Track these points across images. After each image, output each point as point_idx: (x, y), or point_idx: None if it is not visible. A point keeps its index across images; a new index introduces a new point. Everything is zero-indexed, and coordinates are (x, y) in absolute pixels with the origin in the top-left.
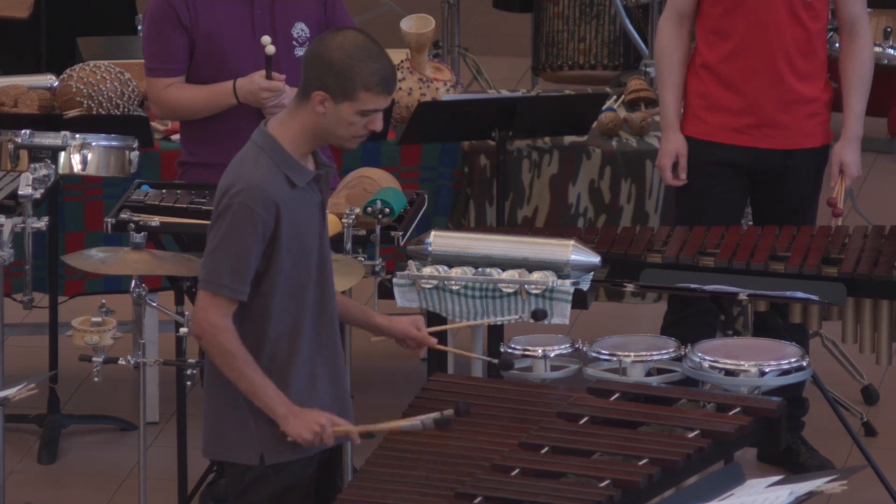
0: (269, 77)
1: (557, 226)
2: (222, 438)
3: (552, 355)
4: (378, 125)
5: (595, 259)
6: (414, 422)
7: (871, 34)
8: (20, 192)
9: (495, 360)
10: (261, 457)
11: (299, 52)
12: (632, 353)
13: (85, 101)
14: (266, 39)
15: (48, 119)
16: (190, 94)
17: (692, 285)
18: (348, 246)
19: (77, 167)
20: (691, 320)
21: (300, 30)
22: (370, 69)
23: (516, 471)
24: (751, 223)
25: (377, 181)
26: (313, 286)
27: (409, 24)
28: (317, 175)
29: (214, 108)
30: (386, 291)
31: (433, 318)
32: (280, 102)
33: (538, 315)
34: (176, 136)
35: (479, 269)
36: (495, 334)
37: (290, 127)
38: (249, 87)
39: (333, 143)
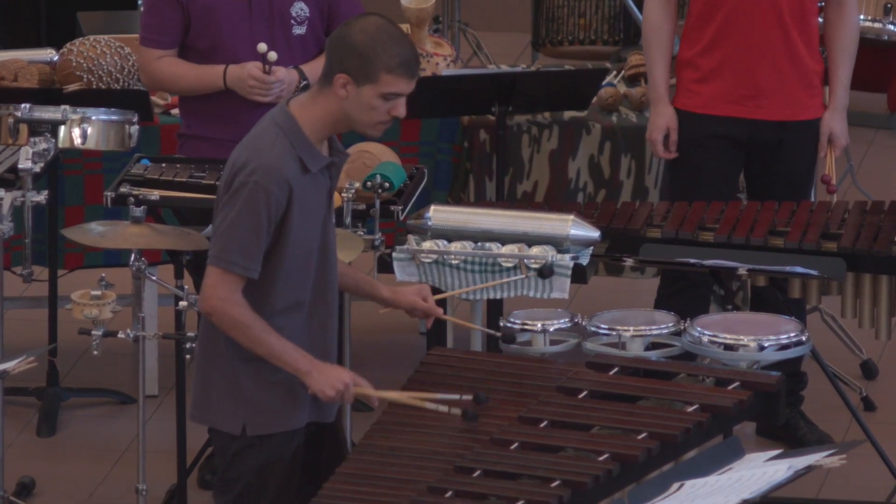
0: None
1: (557, 200)
2: (208, 405)
3: (551, 329)
4: (401, 111)
5: (594, 234)
6: (440, 406)
7: (857, 4)
8: (20, 166)
9: (498, 333)
10: (243, 427)
11: (297, 30)
12: (631, 328)
13: (85, 76)
14: (262, 47)
15: (48, 93)
16: (181, 70)
17: (691, 260)
18: (348, 220)
19: (77, 141)
20: (685, 294)
21: (299, 9)
22: (392, 51)
23: (515, 444)
24: (741, 195)
25: (377, 156)
26: (313, 270)
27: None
28: (330, 162)
29: (203, 89)
30: (385, 265)
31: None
32: (271, 98)
33: (544, 272)
34: (176, 111)
35: (479, 244)
36: (495, 309)
37: (312, 110)
38: (239, 74)
39: (356, 129)
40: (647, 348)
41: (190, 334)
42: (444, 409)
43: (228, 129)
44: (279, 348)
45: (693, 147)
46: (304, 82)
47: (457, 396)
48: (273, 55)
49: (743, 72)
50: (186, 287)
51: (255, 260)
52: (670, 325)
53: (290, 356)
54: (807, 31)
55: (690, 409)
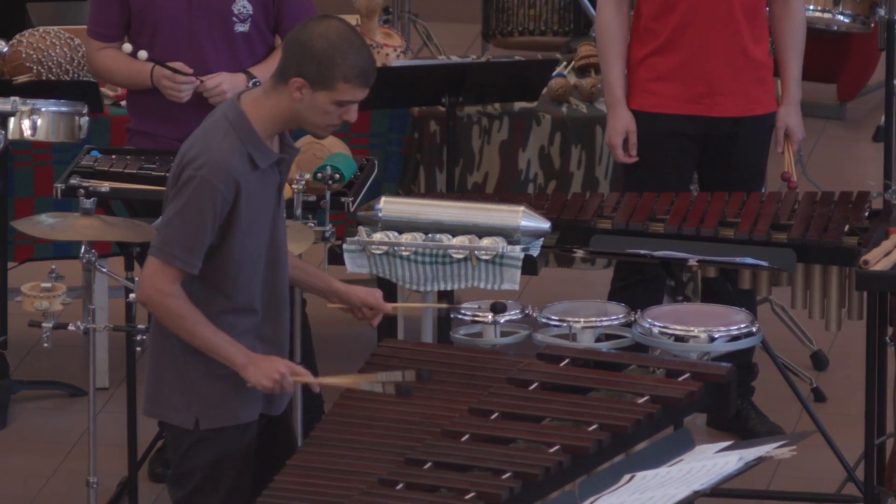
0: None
1: (507, 192)
2: (160, 399)
3: (502, 321)
4: (353, 116)
5: (545, 225)
6: (374, 383)
7: None
8: None
9: (444, 305)
10: (196, 421)
11: (240, 28)
12: (581, 319)
13: (34, 67)
14: (142, 54)
15: None
16: (116, 65)
17: (642, 251)
18: (298, 212)
19: (27, 133)
20: (639, 287)
21: (241, 6)
22: (351, 61)
23: (466, 436)
24: (693, 186)
25: (327, 147)
26: (262, 266)
27: None
28: (280, 158)
29: (135, 85)
30: (336, 257)
31: (383, 284)
32: (184, 98)
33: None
34: (125, 103)
35: (429, 235)
36: (445, 301)
37: (264, 107)
38: (157, 73)
39: (306, 129)
40: (598, 340)
41: (140, 326)
42: (378, 388)
43: (172, 127)
44: (214, 342)
45: (649, 146)
46: (254, 80)
47: (399, 381)
48: (143, 54)
49: (699, 70)
50: (137, 279)
51: (195, 255)
52: (621, 316)
53: (226, 350)
54: (758, 27)
55: (641, 400)
